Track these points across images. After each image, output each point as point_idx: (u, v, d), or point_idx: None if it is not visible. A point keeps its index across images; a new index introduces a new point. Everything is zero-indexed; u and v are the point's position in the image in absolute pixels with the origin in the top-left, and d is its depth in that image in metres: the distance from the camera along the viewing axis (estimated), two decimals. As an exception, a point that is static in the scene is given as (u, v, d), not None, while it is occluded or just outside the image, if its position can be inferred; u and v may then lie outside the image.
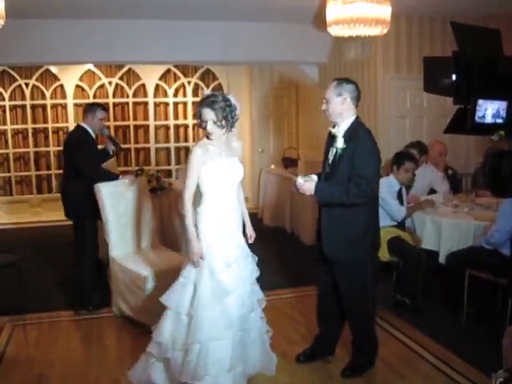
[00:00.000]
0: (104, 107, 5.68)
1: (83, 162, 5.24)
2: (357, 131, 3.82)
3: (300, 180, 3.81)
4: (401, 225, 5.45)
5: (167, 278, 4.05)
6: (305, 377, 4.02)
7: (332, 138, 3.89)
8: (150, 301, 4.54)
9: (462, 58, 2.29)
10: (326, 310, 4.19)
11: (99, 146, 5.91)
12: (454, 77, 2.33)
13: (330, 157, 3.89)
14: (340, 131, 3.84)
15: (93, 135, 5.48)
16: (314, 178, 3.88)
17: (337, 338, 4.26)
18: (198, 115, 3.59)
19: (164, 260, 5.06)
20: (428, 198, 5.68)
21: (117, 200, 5.21)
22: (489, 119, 2.31)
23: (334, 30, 5.63)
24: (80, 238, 5.37)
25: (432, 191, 6.24)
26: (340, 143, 3.78)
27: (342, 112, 3.83)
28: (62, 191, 5.72)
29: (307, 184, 3.77)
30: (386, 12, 5.48)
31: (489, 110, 2.27)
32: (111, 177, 5.33)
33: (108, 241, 5.18)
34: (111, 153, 5.73)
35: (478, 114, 2.31)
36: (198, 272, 3.57)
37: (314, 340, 4.31)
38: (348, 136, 3.79)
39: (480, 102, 2.30)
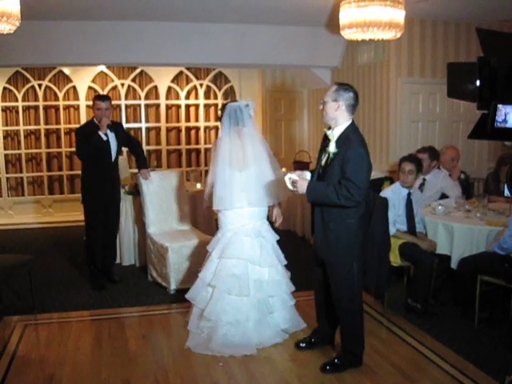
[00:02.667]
0: (101, 97, 6.01)
1: (76, 148, 5.96)
2: (349, 137, 3.90)
3: (295, 177, 3.93)
4: (411, 230, 5.42)
5: (184, 250, 5.81)
6: (314, 379, 4.01)
7: (326, 141, 4.03)
8: (169, 267, 5.75)
9: (487, 63, 2.29)
10: (320, 306, 4.42)
11: None
12: (477, 82, 2.32)
13: (323, 159, 4.03)
14: (334, 135, 3.94)
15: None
16: (308, 175, 4.06)
17: (331, 333, 4.44)
18: None
19: (186, 237, 6.07)
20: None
21: (154, 189, 6.34)
22: (511, 123, 2.31)
23: (347, 34, 5.63)
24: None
25: (444, 196, 6.22)
26: (332, 148, 3.91)
27: (335, 117, 3.94)
28: None
29: (300, 181, 3.89)
30: (399, 16, 5.47)
31: (510, 115, 2.26)
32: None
33: (145, 221, 6.27)
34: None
35: (498, 118, 2.30)
36: None
37: (312, 331, 4.56)
38: (340, 141, 3.89)
39: (500, 106, 2.30)
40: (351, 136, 3.90)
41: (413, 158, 5.45)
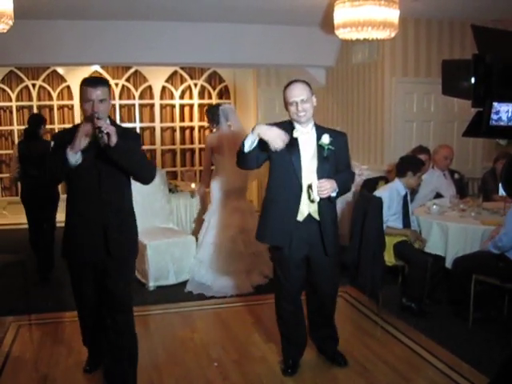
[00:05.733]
0: (92, 81, 3.53)
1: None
2: (323, 127, 3.92)
3: (319, 183, 3.66)
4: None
5: (163, 247, 6.00)
6: (309, 379, 4.00)
7: (294, 142, 3.76)
8: (147, 264, 5.92)
9: (481, 60, 2.28)
10: (313, 313, 4.24)
11: None
12: (472, 80, 2.32)
13: (309, 159, 3.79)
14: (309, 131, 3.81)
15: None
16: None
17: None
18: None
19: (165, 234, 6.27)
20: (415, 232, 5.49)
21: (137, 187, 6.06)
22: (506, 121, 2.30)
23: (342, 33, 5.63)
24: None
25: (438, 195, 6.23)
26: (326, 139, 3.73)
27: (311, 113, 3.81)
28: None
29: (328, 182, 3.67)
30: (393, 15, 5.48)
31: (505, 113, 2.25)
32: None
33: None
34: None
35: (494, 116, 2.29)
36: None
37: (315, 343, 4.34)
38: (323, 131, 3.80)
39: (495, 104, 2.29)
40: (321, 126, 3.90)
41: (424, 163, 5.60)
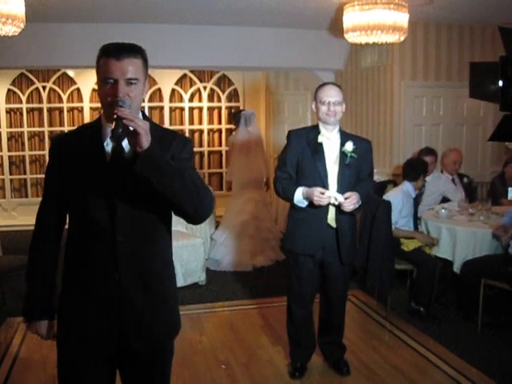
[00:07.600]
0: (112, 49, 2.15)
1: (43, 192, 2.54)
2: (348, 133, 3.91)
3: (341, 197, 3.61)
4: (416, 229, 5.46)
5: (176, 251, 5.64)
6: (317, 382, 4.01)
7: (319, 147, 3.75)
8: None
9: (510, 63, 2.23)
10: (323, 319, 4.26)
11: None
12: (500, 83, 2.25)
13: (331, 164, 3.76)
14: (334, 136, 3.79)
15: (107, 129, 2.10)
16: (327, 190, 3.70)
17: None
18: None
19: (175, 237, 5.99)
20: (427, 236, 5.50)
21: None
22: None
23: (351, 37, 5.64)
24: None
25: (445, 199, 6.21)
26: (350, 146, 3.72)
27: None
28: None
29: (354, 197, 3.62)
30: (403, 19, 5.48)
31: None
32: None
33: None
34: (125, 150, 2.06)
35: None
36: None
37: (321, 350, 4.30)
38: (347, 137, 3.79)
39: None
40: (346, 132, 3.89)
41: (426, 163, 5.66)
